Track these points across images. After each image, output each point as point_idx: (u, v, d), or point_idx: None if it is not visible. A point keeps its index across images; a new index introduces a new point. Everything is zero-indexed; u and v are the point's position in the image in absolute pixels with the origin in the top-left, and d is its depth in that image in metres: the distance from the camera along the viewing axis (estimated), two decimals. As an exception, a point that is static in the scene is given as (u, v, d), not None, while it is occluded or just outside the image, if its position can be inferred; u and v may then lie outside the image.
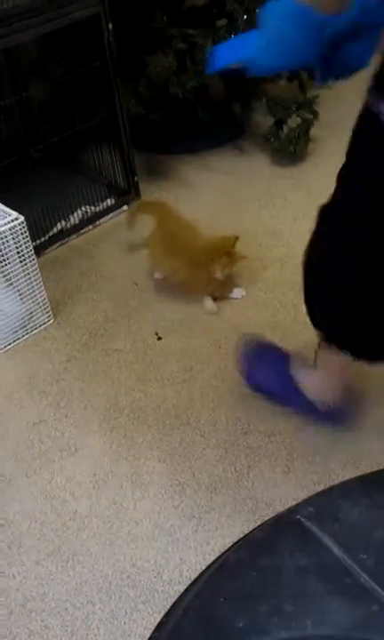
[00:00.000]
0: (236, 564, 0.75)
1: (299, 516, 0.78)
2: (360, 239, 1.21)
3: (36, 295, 1.90)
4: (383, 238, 1.19)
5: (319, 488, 1.43)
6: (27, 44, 2.22)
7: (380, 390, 1.70)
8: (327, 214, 1.26)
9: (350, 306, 1.32)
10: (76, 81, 2.13)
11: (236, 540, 0.83)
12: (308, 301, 1.41)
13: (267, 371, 1.69)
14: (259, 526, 0.81)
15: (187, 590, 0.77)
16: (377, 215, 1.16)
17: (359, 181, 1.16)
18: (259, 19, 0.97)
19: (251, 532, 0.80)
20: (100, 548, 1.44)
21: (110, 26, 2.05)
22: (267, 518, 0.85)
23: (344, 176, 1.19)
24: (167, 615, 0.76)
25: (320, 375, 1.57)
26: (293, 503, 0.82)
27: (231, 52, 1.02)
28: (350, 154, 1.15)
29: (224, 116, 2.66)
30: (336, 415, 1.62)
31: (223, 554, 0.78)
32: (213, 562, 0.78)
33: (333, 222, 1.26)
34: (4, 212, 1.79)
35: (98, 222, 2.32)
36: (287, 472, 1.55)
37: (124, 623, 1.31)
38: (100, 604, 1.35)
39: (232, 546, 0.79)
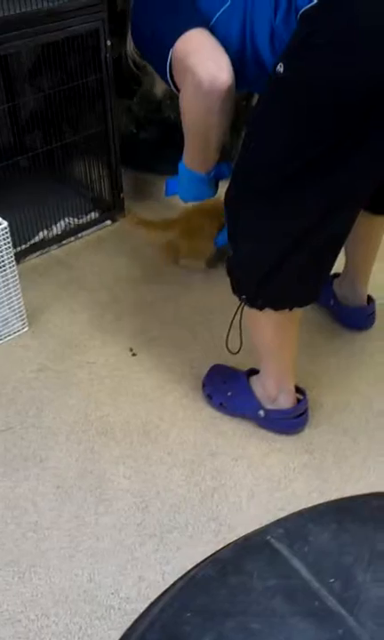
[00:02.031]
0: (203, 580, 0.74)
1: (269, 537, 0.78)
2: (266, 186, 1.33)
3: (12, 302, 1.89)
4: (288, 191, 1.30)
5: (282, 514, 1.43)
6: (23, 53, 2.23)
7: (346, 421, 1.72)
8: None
9: (256, 261, 1.43)
10: (69, 93, 2.14)
11: (196, 561, 0.82)
12: (229, 268, 1.51)
13: (216, 381, 1.77)
14: (228, 544, 0.81)
15: (153, 603, 0.76)
16: (277, 166, 1.30)
17: (263, 134, 1.32)
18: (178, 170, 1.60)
19: (220, 549, 0.80)
20: (58, 561, 1.42)
21: (109, 42, 2.07)
22: (229, 541, 0.84)
23: (246, 140, 1.36)
24: (131, 628, 0.75)
25: (263, 374, 1.65)
26: (256, 527, 0.82)
27: (171, 188, 1.70)
28: (255, 114, 1.36)
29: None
30: (283, 421, 1.67)
31: (192, 569, 0.78)
32: (182, 577, 0.77)
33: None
34: (-12, 216, 1.79)
35: (80, 235, 2.33)
36: (252, 497, 1.55)
37: (79, 638, 1.29)
38: (54, 617, 1.33)
39: (201, 562, 0.79)
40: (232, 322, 1.61)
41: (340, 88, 1.16)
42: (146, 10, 1.45)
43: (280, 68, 1.21)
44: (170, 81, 1.40)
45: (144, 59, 1.53)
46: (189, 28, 1.34)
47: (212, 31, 1.35)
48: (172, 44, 1.34)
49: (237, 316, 1.59)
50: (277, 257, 1.39)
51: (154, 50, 1.42)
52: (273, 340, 1.58)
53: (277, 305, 1.48)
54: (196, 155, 1.54)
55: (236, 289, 1.52)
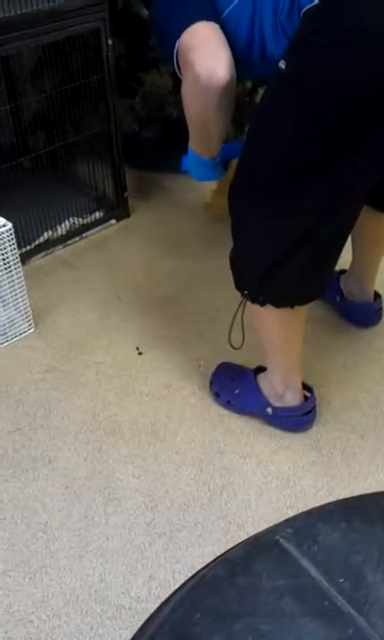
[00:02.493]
0: (213, 581, 0.74)
1: (278, 537, 0.78)
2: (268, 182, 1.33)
3: (18, 303, 1.89)
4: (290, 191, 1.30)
5: (292, 512, 1.44)
6: (25, 53, 2.23)
7: (354, 419, 1.72)
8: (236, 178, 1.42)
9: (259, 257, 1.44)
10: (71, 93, 2.15)
11: (206, 560, 0.83)
12: (232, 264, 1.52)
13: (224, 379, 1.76)
14: (237, 544, 0.81)
15: (163, 604, 0.76)
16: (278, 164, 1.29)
17: (265, 130, 1.32)
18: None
19: (229, 549, 0.80)
20: (68, 561, 1.43)
21: (110, 41, 2.07)
22: (238, 540, 0.84)
23: (249, 135, 1.37)
24: (142, 629, 0.75)
25: (269, 371, 1.65)
26: (266, 526, 0.82)
27: (185, 164, 1.68)
28: (258, 110, 1.38)
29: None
30: (291, 418, 1.67)
31: (201, 570, 0.78)
32: (191, 577, 0.78)
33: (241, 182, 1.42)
34: (-7, 218, 1.79)
35: (85, 234, 2.33)
36: (260, 494, 1.55)
37: (90, 638, 1.30)
38: (66, 618, 1.33)
39: (210, 562, 0.79)
40: (234, 317, 1.61)
41: (341, 87, 1.16)
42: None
43: (282, 64, 1.21)
44: (178, 71, 1.41)
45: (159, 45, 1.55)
46: (196, 20, 1.34)
47: (223, 23, 1.35)
48: (178, 36, 1.34)
49: (240, 312, 1.59)
50: (278, 255, 1.39)
51: (165, 40, 1.43)
52: (278, 336, 1.58)
53: (279, 302, 1.48)
54: (199, 143, 1.55)
55: (239, 284, 1.52)
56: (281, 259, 1.39)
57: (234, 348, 1.71)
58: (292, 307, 1.48)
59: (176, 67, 1.41)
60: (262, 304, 1.49)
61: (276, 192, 1.32)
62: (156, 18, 1.51)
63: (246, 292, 1.50)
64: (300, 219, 1.33)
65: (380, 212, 1.70)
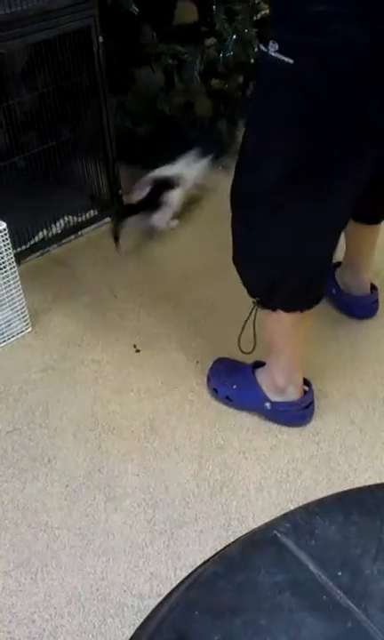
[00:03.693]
0: (211, 577, 0.74)
1: (275, 532, 0.78)
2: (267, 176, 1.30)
3: (15, 303, 1.89)
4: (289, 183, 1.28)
5: (292, 506, 1.43)
6: (16, 52, 2.22)
7: (352, 411, 1.72)
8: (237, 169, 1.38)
9: (267, 266, 1.45)
10: (63, 92, 2.14)
11: (207, 556, 0.83)
12: (239, 271, 1.51)
13: (221, 374, 1.76)
14: (235, 541, 0.81)
15: (161, 603, 0.76)
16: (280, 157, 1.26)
17: (258, 119, 1.30)
18: None
19: (227, 546, 0.80)
20: (70, 560, 1.43)
21: (100, 39, 2.06)
22: (239, 535, 0.84)
23: (244, 142, 1.33)
24: (141, 628, 0.75)
25: (272, 366, 1.64)
26: (267, 520, 0.82)
27: None
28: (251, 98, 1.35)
29: (210, 134, 2.67)
30: (289, 412, 1.67)
31: (199, 567, 0.78)
32: (189, 575, 0.78)
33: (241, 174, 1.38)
34: (-13, 218, 1.78)
35: (80, 233, 2.32)
36: (260, 489, 1.55)
37: (93, 637, 1.30)
38: (68, 617, 1.33)
39: (208, 559, 0.79)
40: (246, 322, 1.60)
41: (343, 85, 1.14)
42: None
43: (274, 50, 1.15)
44: None
45: None
46: None
47: None
48: None
49: (252, 317, 1.59)
50: (283, 271, 1.42)
51: None
52: (290, 335, 1.58)
53: (289, 307, 1.50)
54: None
55: (249, 291, 1.53)
56: (286, 273, 1.42)
57: (244, 353, 1.69)
58: (301, 311, 1.50)
59: None
60: (273, 309, 1.50)
61: (274, 205, 1.32)
62: None
63: (257, 299, 1.51)
64: (301, 232, 1.34)
65: (366, 224, 1.73)
